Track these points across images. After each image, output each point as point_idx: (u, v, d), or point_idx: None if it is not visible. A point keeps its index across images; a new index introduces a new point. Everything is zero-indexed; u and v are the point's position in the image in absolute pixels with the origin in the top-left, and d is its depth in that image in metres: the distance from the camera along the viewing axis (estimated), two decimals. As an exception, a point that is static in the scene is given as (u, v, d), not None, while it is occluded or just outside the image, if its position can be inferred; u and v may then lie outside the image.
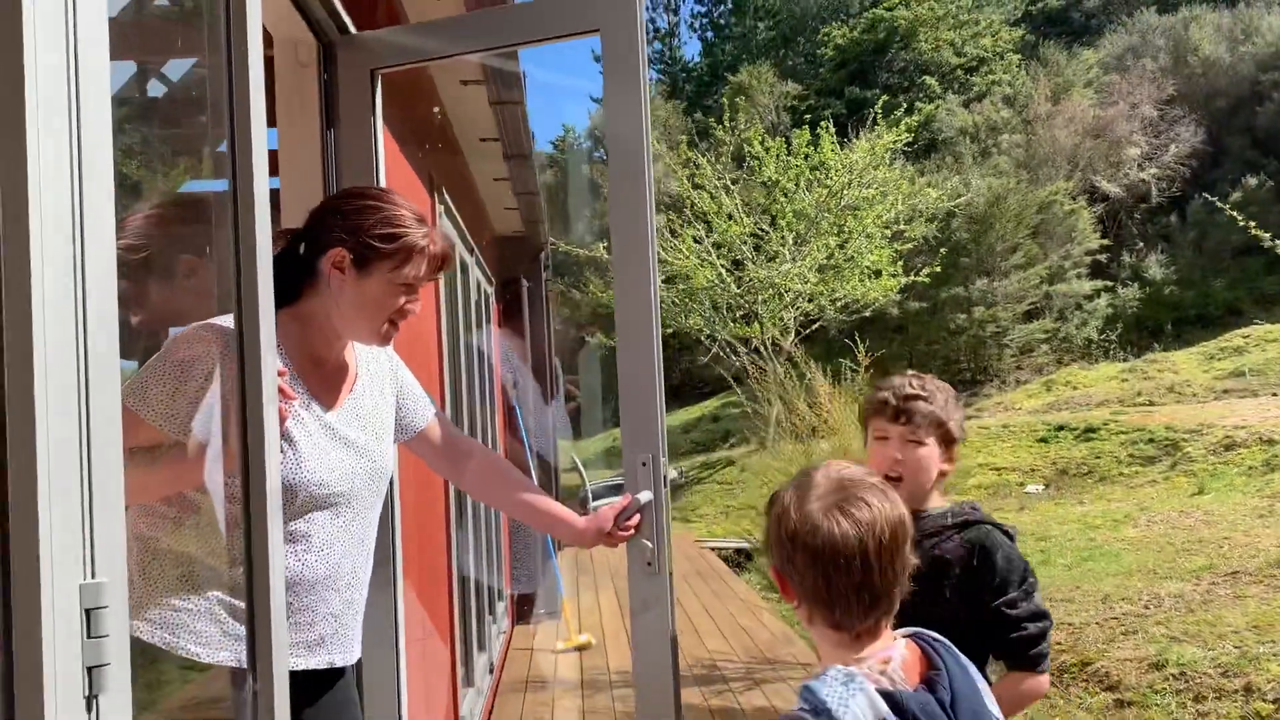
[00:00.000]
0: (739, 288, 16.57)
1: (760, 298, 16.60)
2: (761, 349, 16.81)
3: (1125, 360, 20.36)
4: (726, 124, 18.25)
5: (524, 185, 5.85)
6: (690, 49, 64.75)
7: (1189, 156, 26.63)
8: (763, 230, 16.60)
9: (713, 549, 11.18)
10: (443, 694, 3.75)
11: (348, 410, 2.02)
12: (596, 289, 20.89)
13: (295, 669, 1.85)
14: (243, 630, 1.81)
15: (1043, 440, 14.48)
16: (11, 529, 1.00)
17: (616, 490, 2.41)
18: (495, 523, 5.94)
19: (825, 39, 31.21)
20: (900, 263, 17.27)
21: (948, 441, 2.14)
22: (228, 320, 1.81)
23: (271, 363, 1.75)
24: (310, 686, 1.92)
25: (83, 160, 1.12)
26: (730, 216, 16.37)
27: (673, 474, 17.45)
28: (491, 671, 5.59)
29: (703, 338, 17.69)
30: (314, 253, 1.97)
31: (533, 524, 2.22)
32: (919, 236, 18.08)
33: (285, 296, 1.96)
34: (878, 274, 16.97)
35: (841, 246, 16.46)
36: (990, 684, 1.64)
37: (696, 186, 16.73)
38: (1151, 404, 16.27)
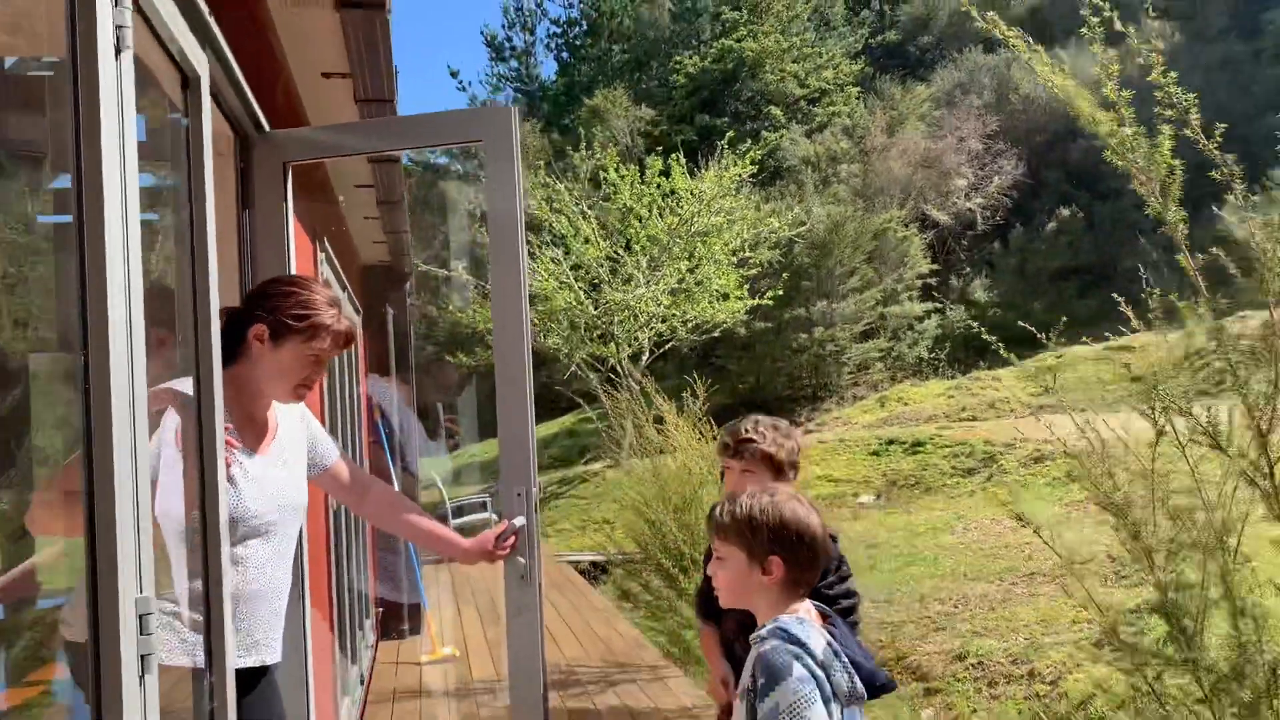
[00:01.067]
0: (596, 309, 17.34)
1: (616, 319, 17.42)
2: (618, 368, 17.41)
3: (952, 378, 21.84)
4: (583, 151, 18.85)
5: (394, 226, 6.24)
6: (547, 68, 64.90)
7: (1011, 188, 28.67)
8: (618, 254, 17.42)
9: (570, 562, 11.63)
10: (327, 701, 4.14)
11: (273, 455, 2.47)
12: (454, 308, 21.10)
13: (237, 667, 2.28)
14: (194, 637, 2.24)
15: (875, 453, 15.53)
16: (100, 561, 1.46)
17: (476, 507, 2.90)
18: (362, 540, 6.26)
19: (677, 66, 32.12)
20: (746, 286, 18.42)
21: (777, 469, 2.79)
22: (182, 384, 2.22)
23: (220, 422, 2.18)
24: (247, 681, 2.32)
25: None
26: (587, 240, 17.12)
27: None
28: (362, 683, 5.90)
29: (561, 356, 18.28)
30: (243, 326, 2.42)
31: (424, 544, 2.69)
32: (764, 261, 19.22)
33: (224, 361, 2.39)
34: (725, 297, 18.08)
35: (692, 271, 17.48)
36: None
37: (555, 210, 17.27)
38: (975, 419, 17.58)
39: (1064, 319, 5.70)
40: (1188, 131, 2.37)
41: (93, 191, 1.42)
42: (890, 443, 15.92)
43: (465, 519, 11.70)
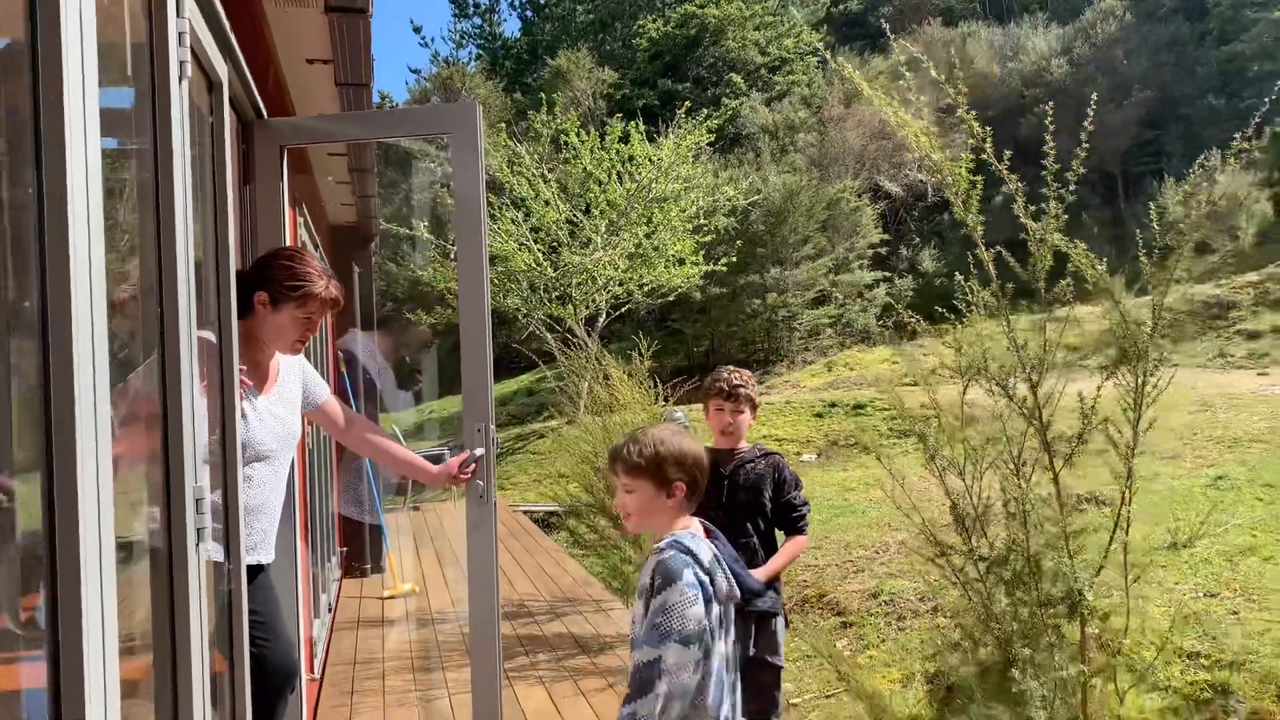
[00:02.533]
0: (555, 271, 17.67)
1: (574, 281, 17.71)
2: (575, 328, 17.89)
3: (898, 344, 22.61)
4: (544, 116, 19.12)
5: (363, 190, 6.68)
6: (510, 26, 64.40)
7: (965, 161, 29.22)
8: (577, 217, 17.74)
9: (525, 512, 12.25)
10: (307, 600, 4.68)
11: (275, 395, 3.00)
12: (412, 265, 21.38)
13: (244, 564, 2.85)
14: (216, 540, 2.80)
15: (819, 415, 16.22)
16: (171, 463, 2.00)
17: (433, 460, 3.46)
18: (328, 481, 6.75)
19: (640, 30, 32.35)
20: (702, 252, 18.77)
21: (754, 408, 3.61)
22: (205, 333, 2.74)
23: (236, 369, 2.71)
24: (249, 575, 2.85)
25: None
26: (547, 203, 17.39)
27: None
28: (330, 610, 6.40)
29: (520, 316, 18.60)
30: (249, 290, 2.94)
31: (398, 470, 3.24)
32: (720, 228, 19.64)
33: (239, 315, 2.92)
34: (681, 262, 18.41)
35: (649, 236, 17.79)
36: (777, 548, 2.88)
37: (516, 173, 17.60)
38: (915, 384, 18.29)
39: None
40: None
41: (167, 187, 1.93)
42: (833, 405, 16.65)
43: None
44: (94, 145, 1.35)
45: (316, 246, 6.22)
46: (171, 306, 1.92)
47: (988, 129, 3.47)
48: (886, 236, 27.95)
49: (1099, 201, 28.94)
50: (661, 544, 2.41)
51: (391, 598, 7.40)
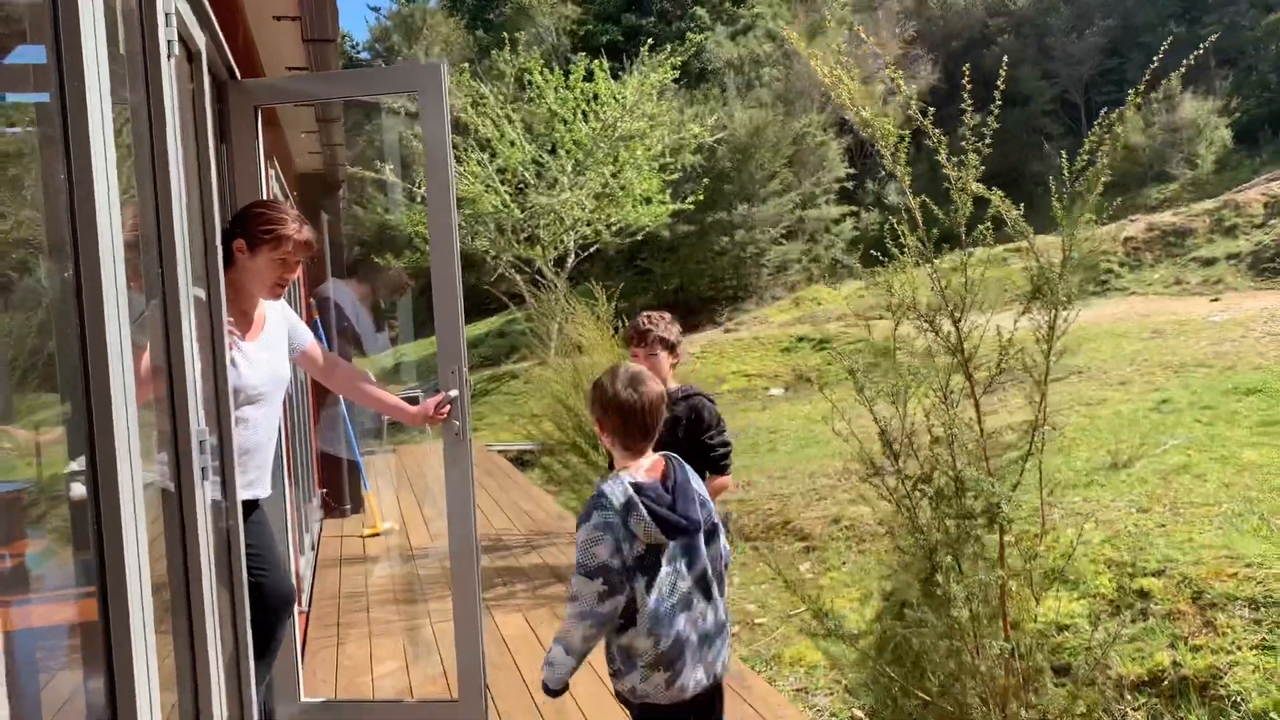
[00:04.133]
0: (522, 212, 17.60)
1: (542, 222, 17.73)
2: (544, 270, 17.54)
3: (863, 279, 22.83)
4: (507, 54, 18.96)
5: (330, 139, 6.79)
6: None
7: (928, 93, 29.46)
8: (543, 158, 17.71)
9: (499, 452, 12.53)
10: (291, 550, 4.89)
11: (262, 341, 3.20)
12: (380, 206, 21.26)
13: (240, 499, 3.07)
14: (214, 477, 3.02)
15: (786, 350, 16.53)
16: (176, 409, 2.22)
17: (410, 401, 3.67)
18: (306, 426, 6.95)
19: (604, -37, 32.01)
20: (669, 190, 18.84)
21: (670, 349, 3.64)
22: (196, 291, 2.92)
23: (224, 320, 2.91)
24: (246, 510, 3.06)
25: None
26: (513, 143, 17.32)
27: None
28: (314, 549, 6.67)
29: (488, 258, 18.64)
30: (228, 242, 3.12)
31: (379, 408, 3.46)
32: (686, 165, 19.62)
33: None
34: (649, 201, 18.41)
35: (615, 175, 17.76)
36: (705, 482, 3.01)
37: (480, 113, 17.44)
38: (880, 318, 18.59)
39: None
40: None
41: (162, 159, 2.12)
42: (800, 340, 16.97)
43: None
44: (109, 125, 1.56)
45: (287, 197, 6.36)
46: (170, 266, 2.12)
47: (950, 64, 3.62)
48: (852, 171, 28.09)
49: (1062, 130, 29.17)
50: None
51: (373, 535, 7.61)
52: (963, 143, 2.71)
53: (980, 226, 2.58)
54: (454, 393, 3.47)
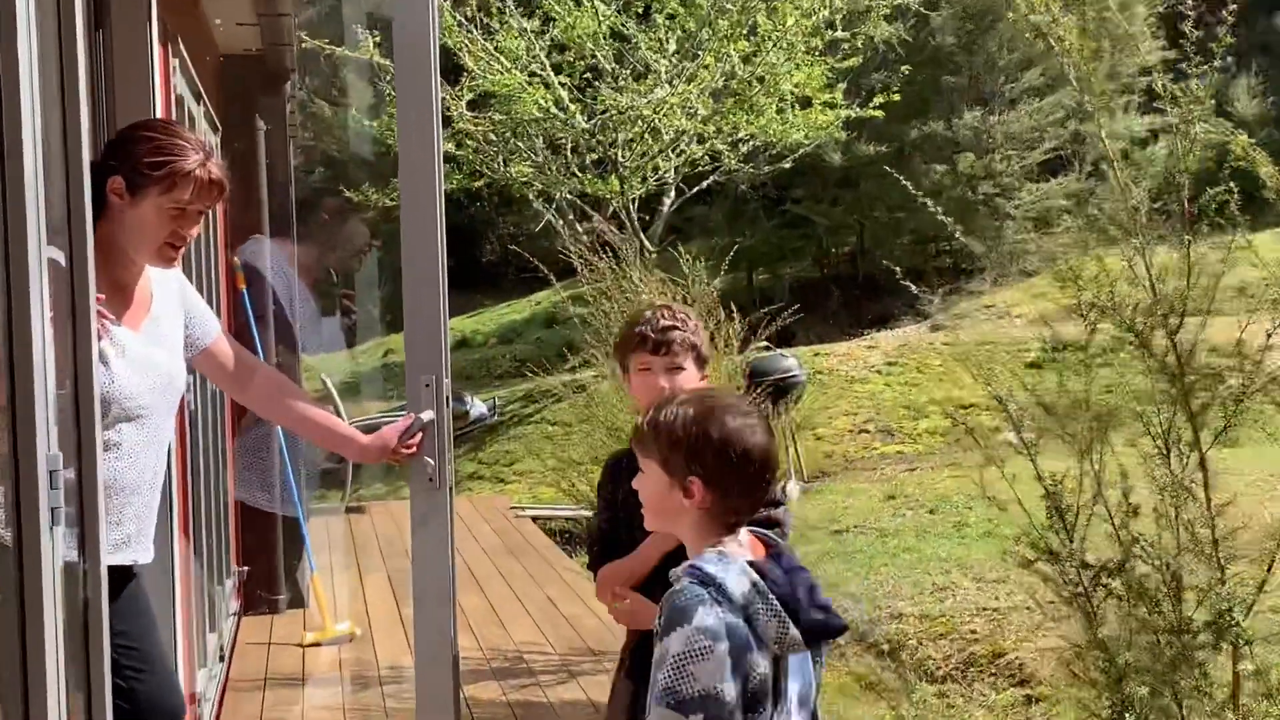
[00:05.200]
0: (589, 120, 15.14)
1: (621, 137, 15.11)
2: (624, 216, 15.10)
3: (1182, 244, 19.34)
4: None
5: (271, 6, 6.53)
6: None
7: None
8: (629, 28, 15.15)
9: (534, 518, 11.81)
10: (183, 659, 4.60)
11: (148, 331, 3.14)
12: (353, 109, 19.51)
13: (108, 564, 3.02)
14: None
15: (1034, 365, 13.74)
16: (19, 430, 2.20)
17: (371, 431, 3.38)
18: (219, 441, 6.75)
19: None
20: (842, 85, 16.22)
21: (701, 363, 3.37)
22: (51, 252, 2.69)
23: (93, 292, 2.65)
24: (115, 582, 2.99)
25: None
26: (579, 2, 14.87)
27: (481, 408, 16.70)
28: (223, 659, 6.58)
29: (532, 195, 16.43)
30: (101, 181, 3.00)
31: (316, 440, 3.37)
32: (873, 43, 17.11)
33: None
34: (806, 103, 15.88)
35: (748, 60, 14.91)
36: None
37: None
38: (1207, 311, 16.63)
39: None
40: None
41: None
42: (1062, 349, 14.40)
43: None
44: None
45: (199, 98, 6.37)
46: (17, 216, 2.11)
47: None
48: (1170, 54, 19.19)
49: None
50: (678, 570, 2.37)
51: (317, 644, 7.18)
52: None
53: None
54: (427, 415, 3.29)
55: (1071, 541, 2.53)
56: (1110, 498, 2.87)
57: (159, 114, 3.51)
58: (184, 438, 5.01)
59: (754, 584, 2.31)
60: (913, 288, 6.92)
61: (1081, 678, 2.52)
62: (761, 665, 2.29)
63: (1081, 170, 20.27)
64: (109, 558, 2.93)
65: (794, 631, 2.30)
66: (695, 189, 16.65)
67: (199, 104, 6.24)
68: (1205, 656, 2.34)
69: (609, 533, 3.34)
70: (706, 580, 2.30)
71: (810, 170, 19.19)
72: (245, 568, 7.51)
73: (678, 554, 2.64)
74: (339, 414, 9.28)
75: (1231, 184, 2.78)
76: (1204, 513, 2.36)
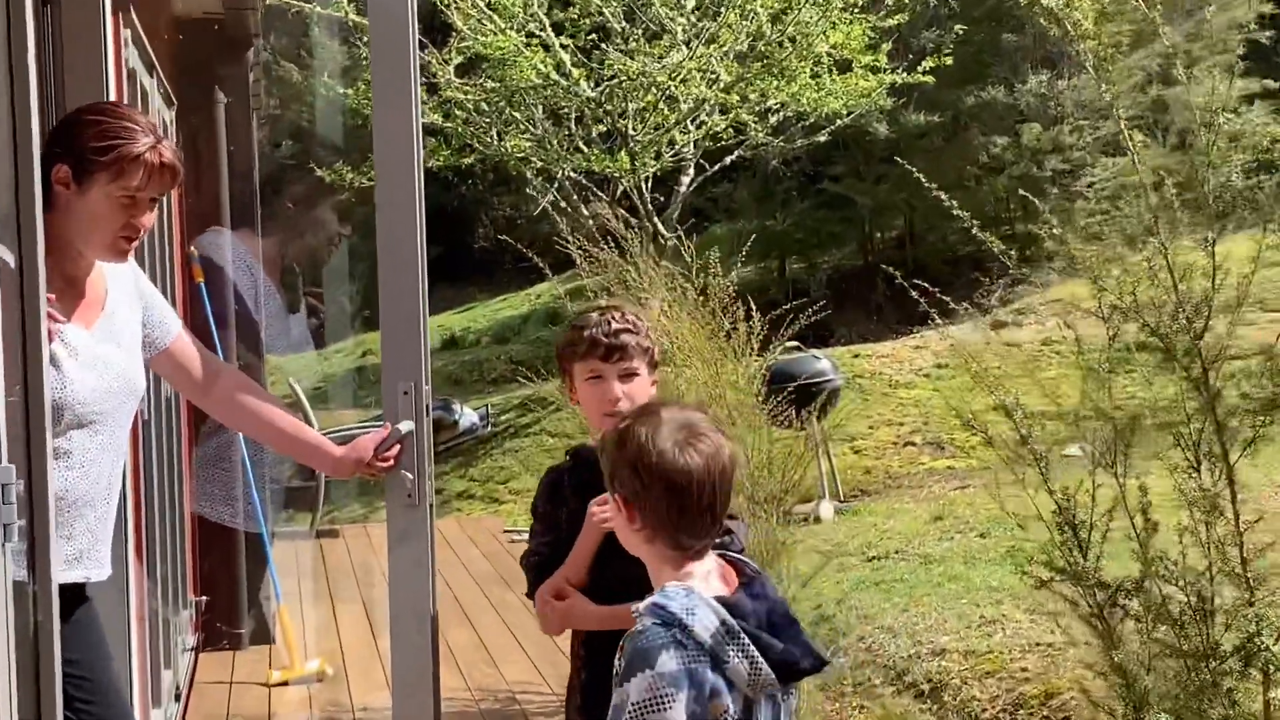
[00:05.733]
0: (595, 87, 15.19)
1: (632, 107, 15.25)
2: (635, 197, 15.29)
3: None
4: None
5: None
6: None
7: None
8: None
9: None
10: (137, 698, 4.73)
11: (102, 329, 3.26)
12: (327, 78, 18.99)
13: (59, 582, 3.15)
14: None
15: (1114, 372, 13.95)
16: None
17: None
18: (175, 452, 6.78)
19: None
20: (886, 46, 16.24)
21: (653, 367, 3.41)
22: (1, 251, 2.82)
23: (44, 290, 2.78)
24: (64, 605, 3.07)
25: None
26: None
27: (471, 418, 16.59)
28: (179, 699, 6.65)
29: (531, 173, 16.39)
30: (46, 170, 3.10)
31: (285, 451, 3.50)
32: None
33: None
34: (846, 67, 15.88)
35: (776, 19, 14.93)
36: None
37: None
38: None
39: None
40: None
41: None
42: (1146, 344, 14.61)
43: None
44: None
45: (152, 70, 6.41)
46: None
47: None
48: (1272, 7, 19.85)
49: None
50: (639, 606, 2.44)
51: (285, 684, 7.25)
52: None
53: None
54: (405, 426, 3.41)
55: (1086, 559, 2.63)
56: (1176, 517, 2.94)
57: (111, 92, 3.62)
58: (136, 449, 5.05)
59: (723, 622, 2.35)
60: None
61: (1100, 706, 2.61)
62: (732, 709, 2.32)
63: (1164, 142, 20.55)
64: (63, 572, 2.98)
65: (767, 672, 2.34)
66: (717, 166, 16.54)
67: (152, 77, 6.29)
68: (1234, 684, 2.43)
69: (549, 558, 3.33)
70: (669, 621, 2.33)
71: (851, 144, 19.09)
72: (204, 597, 7.54)
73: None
74: (309, 423, 9.33)
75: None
76: (1234, 529, 2.44)
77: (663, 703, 2.25)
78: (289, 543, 10.46)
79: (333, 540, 11.34)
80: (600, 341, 3.31)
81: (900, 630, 8.34)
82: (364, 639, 8.04)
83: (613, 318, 3.36)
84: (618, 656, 2.41)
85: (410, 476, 3.44)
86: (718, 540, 3.15)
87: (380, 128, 3.49)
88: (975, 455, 13.79)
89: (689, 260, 6.95)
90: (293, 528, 11.46)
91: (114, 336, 3.26)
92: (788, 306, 7.47)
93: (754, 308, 6.89)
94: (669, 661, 2.27)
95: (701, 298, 6.79)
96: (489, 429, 16.66)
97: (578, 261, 7.19)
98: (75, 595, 3.15)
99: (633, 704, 2.28)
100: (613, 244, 7.28)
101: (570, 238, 7.25)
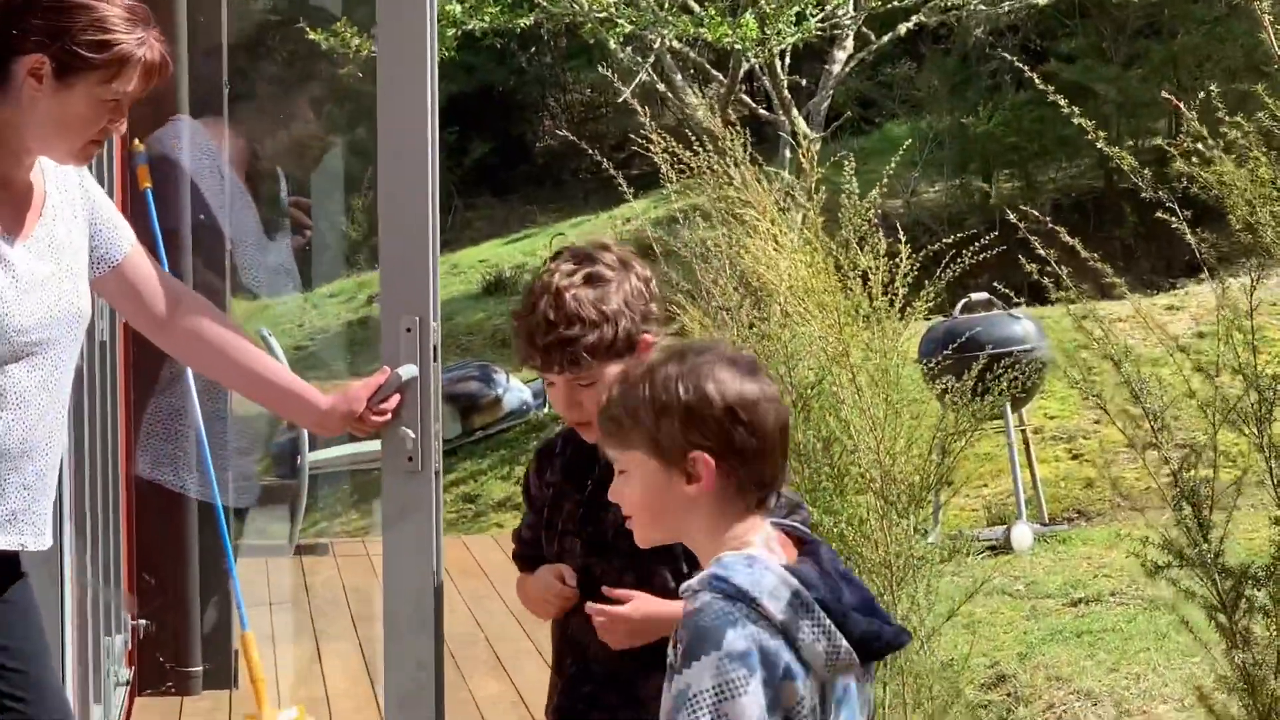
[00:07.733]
0: None
1: None
2: (766, 79, 15.80)
3: None
4: None
5: None
6: None
7: None
8: None
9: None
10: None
11: (40, 240, 3.71)
12: None
13: None
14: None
15: None
16: None
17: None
18: (112, 405, 7.12)
19: None
20: None
21: (631, 347, 3.47)
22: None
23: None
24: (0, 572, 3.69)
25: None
26: None
27: (522, 394, 17.29)
28: None
29: (615, 42, 16.47)
30: (5, 55, 3.55)
31: (258, 399, 4.00)
32: None
33: None
34: None
35: None
36: None
37: None
38: None
39: None
40: None
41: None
42: None
43: (333, 452, 12.74)
44: None
45: None
46: None
47: None
48: None
49: None
50: (693, 582, 2.72)
51: None
52: None
53: None
54: (407, 371, 3.75)
55: (1206, 538, 2.96)
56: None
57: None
58: (77, 393, 5.22)
59: (795, 593, 2.62)
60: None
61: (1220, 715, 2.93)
62: (807, 696, 2.59)
63: None
64: (-4, 535, 3.78)
65: (847, 649, 2.61)
66: (888, 36, 16.40)
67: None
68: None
69: (532, 541, 3.63)
70: (735, 593, 2.59)
71: (1094, 9, 19.30)
72: (144, 621, 7.76)
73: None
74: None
75: None
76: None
77: (736, 687, 2.46)
78: (258, 560, 10.52)
79: (318, 558, 11.48)
80: (536, 345, 3.45)
81: (1102, 696, 8.56)
82: (360, 684, 8.23)
83: (549, 310, 3.38)
84: (671, 645, 2.62)
85: (412, 435, 3.65)
86: (783, 514, 3.31)
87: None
88: (1244, 461, 13.67)
89: (848, 173, 6.89)
90: (266, 541, 11.60)
91: (55, 249, 3.58)
92: (985, 242, 7.34)
93: (902, 241, 6.89)
94: (738, 640, 2.48)
95: (835, 232, 6.84)
96: (544, 409, 16.86)
97: (663, 172, 7.11)
98: (7, 567, 3.48)
99: (697, 691, 2.47)
100: (717, 147, 7.04)
101: (655, 135, 7.01)
